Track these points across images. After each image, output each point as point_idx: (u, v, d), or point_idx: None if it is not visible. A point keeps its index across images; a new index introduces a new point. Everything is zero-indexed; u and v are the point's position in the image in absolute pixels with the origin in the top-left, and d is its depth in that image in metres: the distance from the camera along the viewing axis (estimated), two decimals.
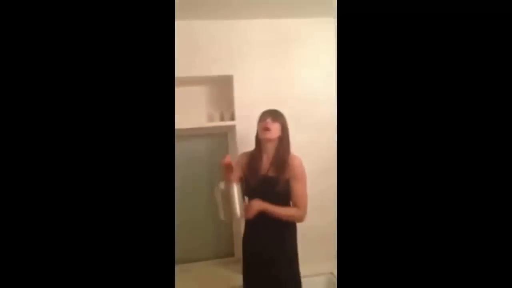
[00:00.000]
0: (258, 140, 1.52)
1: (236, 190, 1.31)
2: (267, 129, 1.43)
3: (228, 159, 1.44)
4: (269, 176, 1.46)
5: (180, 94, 2.10)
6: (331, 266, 2.08)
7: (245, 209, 1.39)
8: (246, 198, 1.49)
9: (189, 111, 2.17)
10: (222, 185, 1.38)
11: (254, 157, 1.51)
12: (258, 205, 1.39)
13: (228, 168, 1.43)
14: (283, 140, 1.47)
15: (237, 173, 1.50)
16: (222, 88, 2.23)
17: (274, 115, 1.46)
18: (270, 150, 1.49)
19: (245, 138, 1.60)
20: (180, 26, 1.89)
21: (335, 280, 1.99)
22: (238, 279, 1.77)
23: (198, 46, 2.04)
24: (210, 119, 2.17)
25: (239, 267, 1.63)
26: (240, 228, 2.16)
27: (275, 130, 1.44)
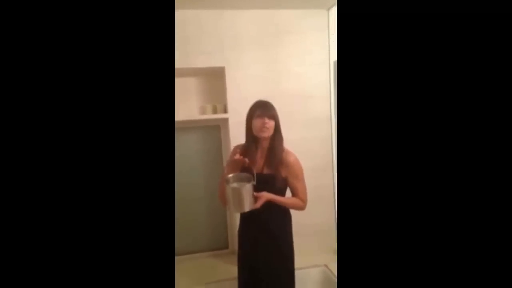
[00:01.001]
0: (252, 136, 1.47)
1: (248, 189, 1.35)
2: (266, 128, 1.40)
3: (238, 155, 1.41)
4: (264, 174, 1.45)
5: None
6: (326, 258, 2.11)
7: (255, 199, 1.39)
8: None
9: (181, 103, 2.13)
10: (235, 184, 1.41)
11: (248, 153, 1.47)
12: (266, 196, 1.40)
13: (239, 162, 1.42)
14: (276, 135, 1.45)
15: (240, 163, 1.47)
16: (214, 80, 2.19)
17: (268, 110, 1.43)
18: (264, 146, 1.47)
19: (238, 131, 1.58)
20: None
21: (329, 272, 2.02)
22: (233, 271, 1.78)
23: (189, 36, 1.98)
24: (203, 111, 2.14)
25: (234, 259, 1.64)
26: (234, 220, 2.17)
27: (271, 127, 1.42)
